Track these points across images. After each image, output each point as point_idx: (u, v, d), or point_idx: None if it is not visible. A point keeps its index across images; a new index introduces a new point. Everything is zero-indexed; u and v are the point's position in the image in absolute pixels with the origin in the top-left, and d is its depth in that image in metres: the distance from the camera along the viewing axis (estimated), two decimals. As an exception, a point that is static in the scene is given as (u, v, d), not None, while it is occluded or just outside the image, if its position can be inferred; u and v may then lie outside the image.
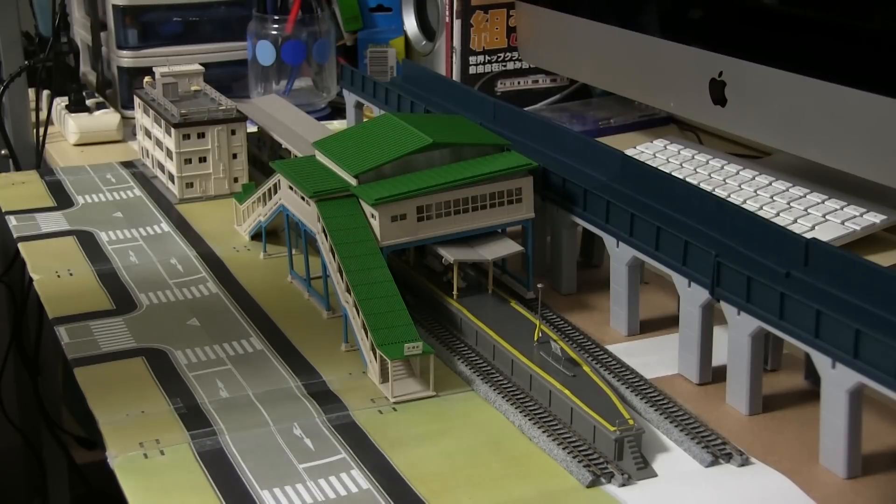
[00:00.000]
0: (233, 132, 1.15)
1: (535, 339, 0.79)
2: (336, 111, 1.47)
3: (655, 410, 0.75)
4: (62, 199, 1.16)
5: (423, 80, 1.20)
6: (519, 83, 1.48)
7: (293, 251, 0.97)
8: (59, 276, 0.98)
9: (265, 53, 1.42)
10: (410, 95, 1.13)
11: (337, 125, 1.38)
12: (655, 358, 0.83)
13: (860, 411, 0.68)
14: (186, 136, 1.14)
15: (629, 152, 1.14)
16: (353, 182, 0.86)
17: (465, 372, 0.80)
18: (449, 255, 0.85)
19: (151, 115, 1.20)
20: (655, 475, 0.69)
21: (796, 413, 0.76)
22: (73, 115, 1.38)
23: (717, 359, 0.79)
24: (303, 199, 0.88)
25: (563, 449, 0.70)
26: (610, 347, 0.84)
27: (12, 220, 1.10)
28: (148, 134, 1.23)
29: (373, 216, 0.83)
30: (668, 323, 0.87)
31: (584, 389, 0.73)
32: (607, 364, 0.81)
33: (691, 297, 0.78)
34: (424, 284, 0.90)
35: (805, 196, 1.05)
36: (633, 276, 0.86)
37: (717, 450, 0.70)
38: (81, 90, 1.41)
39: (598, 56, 1.29)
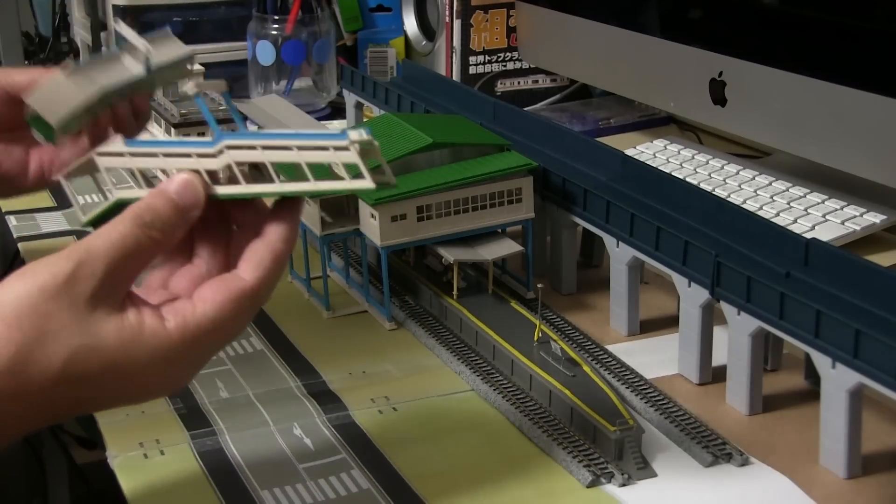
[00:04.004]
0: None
1: (535, 339, 0.79)
2: (336, 111, 1.47)
3: (655, 410, 0.75)
4: (62, 199, 1.16)
5: (423, 80, 1.20)
6: (519, 83, 1.48)
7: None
8: (59, 276, 0.98)
9: (265, 53, 1.42)
10: (410, 95, 1.13)
11: (337, 125, 1.38)
12: (655, 358, 0.83)
13: (860, 411, 0.68)
14: (186, 136, 1.13)
15: (629, 152, 1.14)
16: (353, 182, 0.86)
17: (465, 372, 0.80)
18: (449, 255, 0.85)
19: (151, 115, 1.20)
20: (655, 475, 0.69)
21: (796, 413, 0.76)
22: (73, 115, 1.38)
23: (717, 359, 0.79)
24: (303, 199, 0.88)
25: (563, 449, 0.70)
26: (610, 347, 0.84)
27: (12, 220, 1.10)
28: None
29: (373, 216, 0.83)
30: (668, 323, 0.87)
31: (584, 389, 0.73)
32: (607, 364, 0.81)
33: (691, 297, 0.78)
34: (424, 284, 0.90)
35: (805, 196, 1.05)
36: (633, 276, 0.86)
37: (717, 450, 0.70)
38: (81, 90, 1.41)
39: (598, 56, 1.29)
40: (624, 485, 0.68)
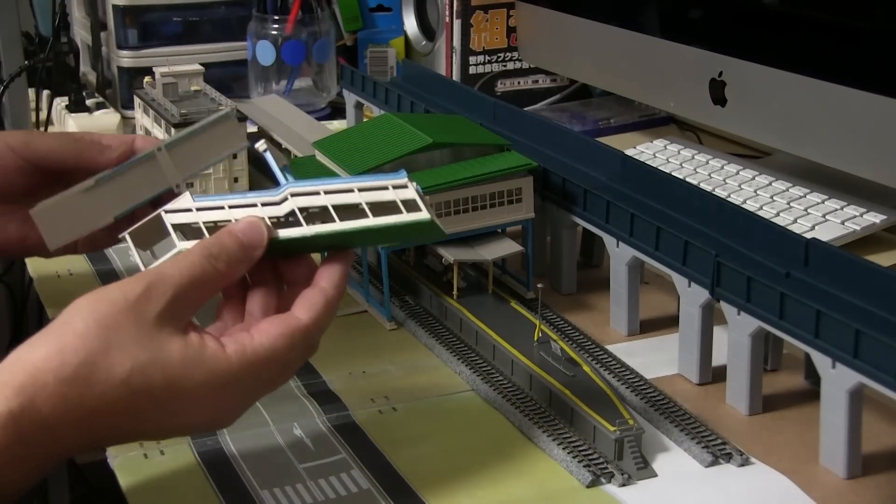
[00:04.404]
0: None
1: (535, 339, 0.79)
2: (336, 111, 1.47)
3: (655, 410, 0.75)
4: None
5: (423, 80, 1.20)
6: (519, 83, 1.48)
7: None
8: (59, 276, 0.98)
9: (265, 53, 1.42)
10: (410, 95, 1.13)
11: (337, 125, 1.38)
12: (655, 358, 0.83)
13: (860, 411, 0.68)
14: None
15: (629, 152, 1.14)
16: (353, 182, 0.86)
17: (465, 372, 0.80)
18: (449, 255, 0.84)
19: (151, 115, 1.20)
20: (655, 475, 0.69)
21: (796, 413, 0.76)
22: (73, 115, 1.38)
23: (717, 359, 0.79)
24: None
25: (563, 449, 0.70)
26: (610, 347, 0.84)
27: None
28: (148, 134, 1.23)
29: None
30: (668, 323, 0.87)
31: (584, 389, 0.73)
32: (607, 364, 0.81)
33: (691, 297, 0.78)
34: (424, 284, 0.90)
35: (805, 196, 1.05)
36: (633, 276, 0.85)
37: (717, 450, 0.70)
38: (81, 90, 1.41)
39: (598, 56, 1.29)
40: (624, 485, 0.68)
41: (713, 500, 0.67)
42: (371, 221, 0.65)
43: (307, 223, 0.65)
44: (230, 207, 0.65)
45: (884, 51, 0.92)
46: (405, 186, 0.65)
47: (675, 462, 0.70)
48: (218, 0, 1.48)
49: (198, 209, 0.65)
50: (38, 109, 1.40)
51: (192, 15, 1.47)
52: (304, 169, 0.90)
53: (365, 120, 1.24)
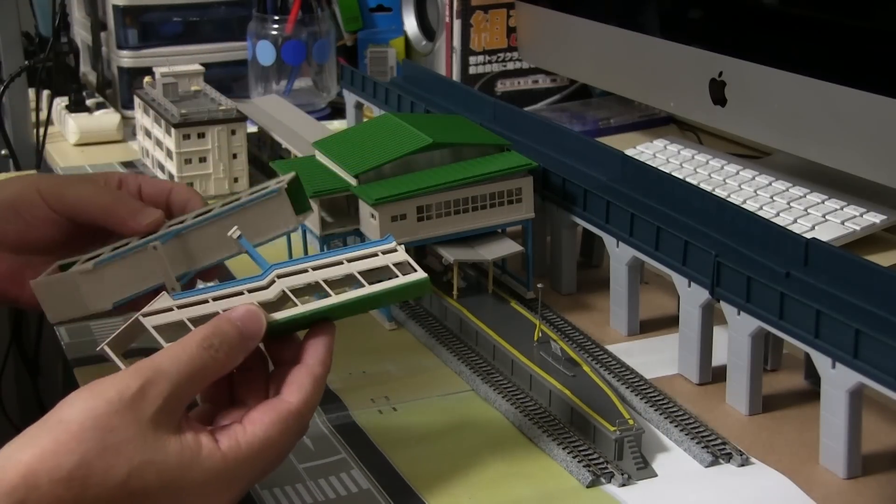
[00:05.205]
0: (233, 132, 1.15)
1: (535, 339, 0.79)
2: (336, 111, 1.47)
3: (655, 410, 0.75)
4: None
5: (423, 80, 1.20)
6: (519, 83, 1.48)
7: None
8: (59, 276, 0.97)
9: (265, 53, 1.42)
10: (410, 95, 1.13)
11: (337, 125, 1.38)
12: (655, 358, 0.83)
13: (860, 411, 0.68)
14: (186, 136, 1.14)
15: (629, 152, 1.14)
16: (353, 182, 0.86)
17: (465, 372, 0.80)
18: (449, 255, 0.85)
19: (151, 115, 1.20)
20: (655, 475, 0.69)
21: (796, 413, 0.76)
22: (73, 115, 1.38)
23: (717, 359, 0.79)
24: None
25: (563, 449, 0.70)
26: (610, 347, 0.84)
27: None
28: (148, 134, 1.23)
29: (373, 216, 0.83)
30: (668, 323, 0.87)
31: (584, 389, 0.73)
32: (607, 364, 0.81)
33: (691, 297, 0.78)
34: (424, 284, 0.90)
35: (805, 196, 1.05)
36: (633, 276, 0.86)
37: (717, 450, 0.70)
38: (81, 90, 1.41)
39: (598, 56, 1.29)
40: (624, 485, 0.68)
41: (713, 500, 0.67)
42: (369, 290, 0.65)
43: (300, 302, 0.64)
44: (214, 300, 0.64)
45: (884, 51, 0.92)
46: (395, 250, 0.65)
47: (675, 462, 0.70)
48: (218, 0, 1.48)
49: (179, 307, 0.64)
50: (38, 109, 1.40)
51: (192, 15, 1.47)
52: (304, 169, 0.90)
53: (365, 120, 1.25)
